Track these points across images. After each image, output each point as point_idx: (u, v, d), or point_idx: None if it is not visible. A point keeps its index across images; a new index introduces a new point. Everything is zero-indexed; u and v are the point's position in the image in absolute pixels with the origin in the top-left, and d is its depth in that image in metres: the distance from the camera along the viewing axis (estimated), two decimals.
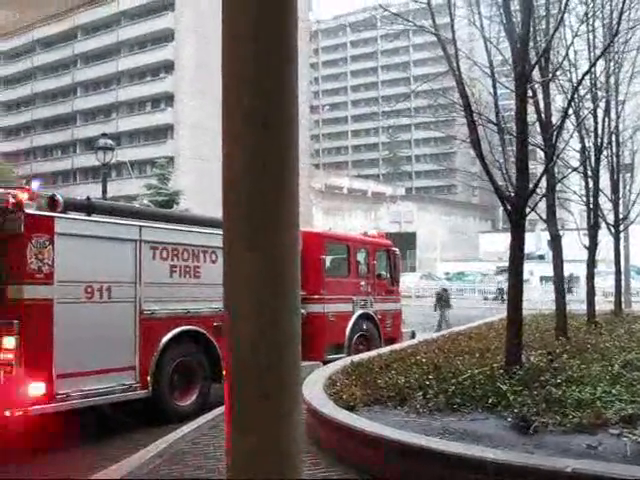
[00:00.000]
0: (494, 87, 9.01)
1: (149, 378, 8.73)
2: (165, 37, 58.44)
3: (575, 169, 13.12)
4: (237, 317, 2.20)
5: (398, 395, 6.85)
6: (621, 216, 17.47)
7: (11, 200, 7.51)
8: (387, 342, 13.32)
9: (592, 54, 13.00)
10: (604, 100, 14.31)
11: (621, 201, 17.79)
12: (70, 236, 7.97)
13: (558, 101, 13.96)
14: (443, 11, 8.88)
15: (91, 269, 8.16)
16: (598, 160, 14.57)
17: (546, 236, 16.75)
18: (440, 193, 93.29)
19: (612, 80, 14.49)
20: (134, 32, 61.08)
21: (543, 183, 10.67)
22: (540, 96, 11.31)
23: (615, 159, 16.38)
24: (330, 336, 12.12)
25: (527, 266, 10.99)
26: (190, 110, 53.97)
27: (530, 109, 9.60)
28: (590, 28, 12.85)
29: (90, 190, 23.90)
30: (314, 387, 7.35)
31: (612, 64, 13.96)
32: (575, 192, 15.87)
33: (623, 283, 21.13)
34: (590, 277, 14.87)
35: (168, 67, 58.48)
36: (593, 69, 11.49)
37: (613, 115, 15.25)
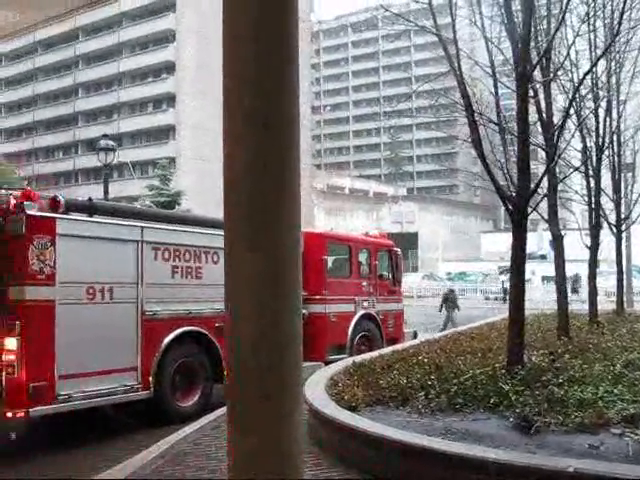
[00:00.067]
0: (495, 87, 9.01)
1: (151, 379, 8.73)
2: (166, 38, 58.48)
3: (577, 169, 13.11)
4: (238, 318, 2.20)
5: (400, 395, 6.84)
6: (623, 216, 17.45)
7: (13, 201, 7.52)
8: (389, 342, 13.31)
9: (593, 54, 12.99)
10: (605, 100, 14.30)
11: (623, 201, 17.79)
12: (72, 237, 7.97)
13: (559, 101, 13.95)
14: (444, 11, 8.87)
15: (93, 270, 8.16)
16: (600, 160, 14.56)
17: (548, 236, 16.73)
18: (442, 193, 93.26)
19: (613, 80, 14.47)
20: (135, 33, 61.12)
21: (545, 183, 10.65)
22: (541, 96, 11.30)
23: (617, 159, 16.38)
24: (332, 336, 12.11)
25: (529, 266, 10.96)
26: (191, 111, 53.99)
27: (531, 109, 9.59)
28: (591, 28, 12.83)
29: (92, 191, 23.90)
30: (316, 388, 7.34)
31: (613, 64, 13.94)
32: (577, 192, 15.85)
33: (625, 283, 21.13)
34: (592, 277, 14.86)
35: (169, 68, 58.49)
36: (594, 69, 11.49)
37: (614, 115, 15.25)
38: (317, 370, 9.11)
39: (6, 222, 7.52)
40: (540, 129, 11.69)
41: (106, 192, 20.41)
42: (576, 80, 11.53)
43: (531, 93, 9.28)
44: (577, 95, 10.18)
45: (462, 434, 5.45)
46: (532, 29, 8.64)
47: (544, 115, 11.37)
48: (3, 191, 8.01)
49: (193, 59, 54.36)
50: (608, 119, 14.64)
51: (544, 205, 12.21)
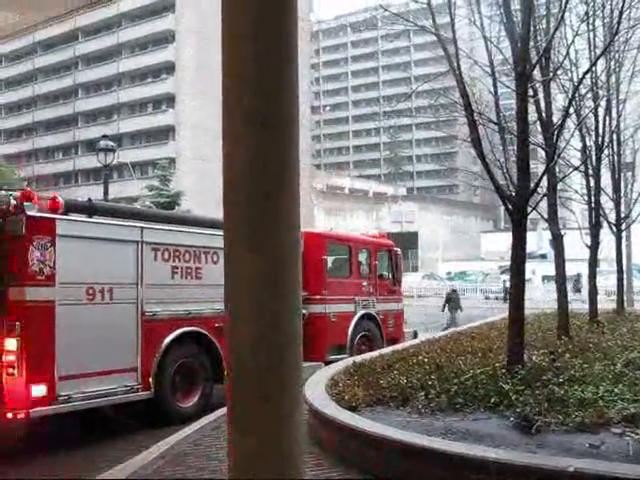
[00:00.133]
0: (495, 86, 9.01)
1: (151, 379, 8.73)
2: (166, 38, 58.47)
3: (576, 168, 13.10)
4: (237, 318, 2.20)
5: (400, 395, 6.84)
6: (623, 215, 17.46)
7: (12, 202, 7.52)
8: (389, 342, 13.30)
9: (593, 53, 12.98)
10: (605, 99, 14.30)
11: (623, 200, 17.79)
12: (71, 238, 7.97)
13: (559, 100, 13.96)
14: (443, 11, 8.88)
15: (93, 271, 8.16)
16: (599, 159, 14.56)
17: (548, 235, 16.73)
18: (442, 193, 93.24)
19: (613, 79, 14.48)
20: (135, 33, 61.13)
21: (544, 182, 10.66)
22: (541, 95, 11.30)
23: (616, 158, 16.38)
24: (332, 337, 12.10)
25: (529, 265, 10.98)
26: (191, 111, 54.00)
27: (531, 108, 9.59)
28: (590, 27, 12.84)
29: (91, 192, 23.89)
30: (316, 388, 7.34)
31: (613, 63, 13.95)
32: (577, 191, 15.86)
33: (625, 282, 21.12)
34: (592, 276, 14.86)
35: (169, 68, 58.51)
36: (594, 68, 11.48)
37: (614, 114, 15.24)
38: (317, 370, 9.11)
39: (6, 223, 7.52)
40: (540, 128, 11.69)
41: (106, 193, 20.42)
42: (575, 79, 11.53)
43: (530, 92, 9.27)
44: (576, 94, 10.18)
45: (462, 434, 5.45)
46: (531, 28, 8.64)
47: (544, 114, 11.37)
48: (3, 192, 8.01)
49: (193, 59, 54.36)
50: (608, 118, 14.65)
51: (544, 204, 12.21)
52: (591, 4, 11.47)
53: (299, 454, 2.27)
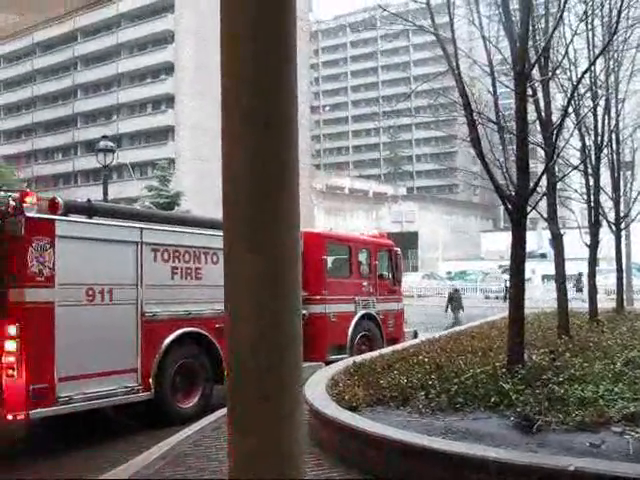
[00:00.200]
0: (494, 86, 9.01)
1: (151, 380, 8.72)
2: (165, 39, 58.48)
3: (575, 167, 13.11)
4: (237, 319, 2.20)
5: (400, 395, 6.84)
6: (622, 214, 17.47)
7: (12, 203, 7.51)
8: (389, 342, 13.30)
9: (591, 52, 12.99)
10: (604, 98, 14.30)
11: (622, 199, 17.80)
12: (71, 239, 7.96)
13: (558, 100, 13.96)
14: (442, 11, 8.87)
15: (92, 272, 8.16)
16: (598, 158, 14.56)
17: (548, 235, 16.74)
18: (441, 192, 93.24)
19: (612, 78, 14.48)
20: (134, 34, 61.12)
21: (544, 182, 10.66)
22: (540, 95, 11.31)
23: (615, 157, 16.38)
24: (332, 337, 12.10)
25: (529, 265, 10.98)
26: (190, 111, 54.00)
27: (530, 108, 9.59)
28: (589, 27, 12.85)
29: (91, 192, 23.93)
30: (316, 388, 7.34)
31: (611, 62, 13.95)
32: (576, 190, 15.87)
33: (625, 281, 21.12)
34: (592, 275, 14.87)
35: (168, 69, 58.50)
36: (593, 67, 11.48)
37: (613, 113, 15.24)
38: (318, 370, 9.11)
39: (5, 224, 7.51)
40: (539, 128, 11.69)
41: (105, 193, 20.40)
42: (574, 79, 11.53)
43: (530, 92, 9.27)
44: (576, 94, 10.17)
45: (463, 433, 5.45)
46: (530, 28, 8.66)
47: (543, 114, 11.38)
48: (2, 193, 8.00)
49: (192, 60, 54.36)
50: (607, 117, 14.65)
51: (543, 204, 12.21)
52: (590, 3, 11.45)
53: (299, 454, 2.27)
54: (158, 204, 27.40)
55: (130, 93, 61.37)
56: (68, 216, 8.09)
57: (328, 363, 10.50)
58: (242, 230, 2.21)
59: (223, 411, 7.89)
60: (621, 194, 17.48)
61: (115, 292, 8.38)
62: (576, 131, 12.78)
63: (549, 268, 23.71)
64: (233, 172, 2.23)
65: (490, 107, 9.43)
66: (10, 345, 7.22)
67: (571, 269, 17.60)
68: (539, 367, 7.64)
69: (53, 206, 7.94)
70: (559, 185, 13.58)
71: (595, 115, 14.08)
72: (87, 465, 7.05)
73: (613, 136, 15.78)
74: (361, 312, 13.00)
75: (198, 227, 10.09)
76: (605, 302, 20.62)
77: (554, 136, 9.30)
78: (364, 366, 8.79)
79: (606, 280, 28.92)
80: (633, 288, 30.14)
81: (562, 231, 12.51)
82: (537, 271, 42.65)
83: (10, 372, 7.19)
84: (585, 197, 14.90)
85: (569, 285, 13.52)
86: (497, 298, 39.76)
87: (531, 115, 10.05)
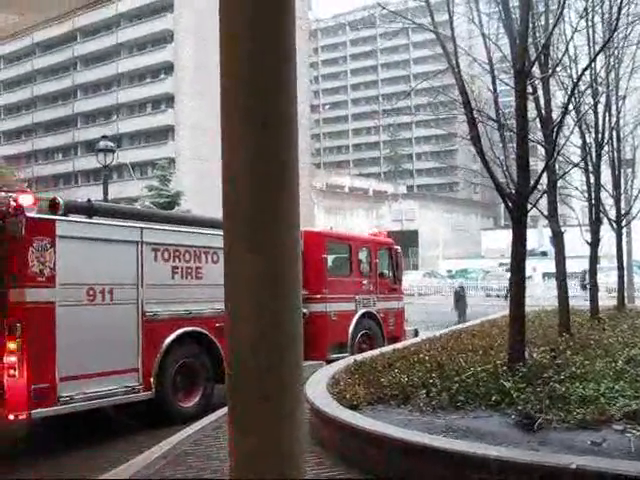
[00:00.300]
0: (494, 84, 9.00)
1: (152, 380, 8.73)
2: (164, 38, 58.49)
3: (576, 165, 13.11)
4: (237, 318, 2.20)
5: (401, 394, 6.84)
6: (623, 211, 17.45)
7: (12, 203, 7.51)
8: (390, 341, 13.31)
9: (592, 49, 12.97)
10: (604, 95, 14.28)
11: (623, 196, 17.78)
12: (71, 239, 7.97)
13: (558, 97, 13.93)
14: (442, 8, 8.86)
15: (93, 271, 8.16)
16: (599, 156, 14.54)
17: (548, 232, 16.75)
18: (442, 191, 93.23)
19: (612, 75, 14.44)
20: (133, 34, 61.14)
21: (544, 179, 10.64)
22: (540, 92, 11.28)
23: (616, 154, 16.36)
24: (333, 335, 12.11)
25: (529, 263, 10.98)
26: (190, 111, 53.99)
27: (530, 105, 9.57)
28: (589, 23, 12.82)
29: (91, 192, 23.93)
30: (317, 387, 7.34)
31: (612, 59, 13.91)
32: (577, 188, 15.84)
33: (626, 279, 21.10)
34: (593, 273, 14.86)
35: (168, 68, 58.51)
36: (593, 64, 11.47)
37: (613, 110, 15.21)
38: (318, 369, 9.12)
39: (6, 224, 7.52)
40: (539, 125, 11.67)
41: (105, 193, 20.40)
42: (575, 76, 11.50)
43: (530, 89, 9.25)
44: (576, 91, 10.15)
45: (464, 432, 5.44)
46: (530, 25, 8.64)
47: (543, 111, 11.35)
48: (2, 193, 8.00)
49: (191, 59, 54.34)
50: (607, 115, 14.62)
51: (544, 202, 12.19)
52: (590, 0, 11.45)
53: (300, 453, 2.27)
54: (158, 204, 27.41)
55: (130, 93, 61.38)
56: (68, 216, 8.10)
57: (329, 362, 10.51)
58: (242, 230, 2.20)
59: (224, 410, 7.89)
60: (622, 191, 17.46)
61: (116, 292, 8.39)
62: (576, 129, 12.76)
63: (550, 266, 23.67)
64: (233, 172, 2.23)
65: (490, 105, 9.41)
66: (11, 345, 7.23)
67: (572, 267, 17.60)
68: (540, 365, 7.63)
69: (53, 206, 7.96)
70: (560, 183, 13.56)
71: (595, 112, 14.05)
72: (87, 465, 7.05)
73: (614, 133, 15.75)
74: (362, 311, 13.01)
75: (198, 227, 10.09)
76: (606, 300, 20.60)
77: (554, 134, 9.29)
78: (365, 365, 8.78)
79: (607, 278, 28.89)
80: (634, 286, 30.13)
81: (563, 229, 12.49)
82: (538, 269, 42.67)
83: (11, 372, 7.20)
84: (586, 195, 14.87)
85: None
86: (498, 296, 39.75)
87: (531, 113, 10.04)
